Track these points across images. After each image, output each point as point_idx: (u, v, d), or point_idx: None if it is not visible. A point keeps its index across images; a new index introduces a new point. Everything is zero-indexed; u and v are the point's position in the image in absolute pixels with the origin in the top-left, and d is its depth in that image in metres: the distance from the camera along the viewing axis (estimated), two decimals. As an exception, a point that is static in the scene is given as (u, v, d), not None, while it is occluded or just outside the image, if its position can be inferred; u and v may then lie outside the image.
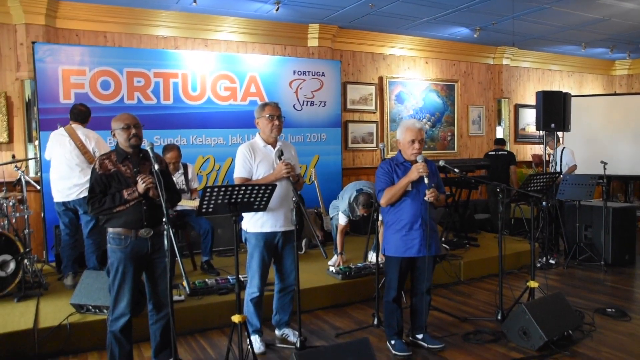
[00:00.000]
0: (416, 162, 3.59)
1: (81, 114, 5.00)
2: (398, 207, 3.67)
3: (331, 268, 5.29)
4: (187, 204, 5.29)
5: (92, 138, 4.91)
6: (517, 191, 4.48)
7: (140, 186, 3.18)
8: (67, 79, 5.91)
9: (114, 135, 3.32)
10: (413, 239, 3.64)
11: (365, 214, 5.34)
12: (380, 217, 4.36)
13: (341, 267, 5.22)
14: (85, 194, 4.74)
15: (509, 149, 9.05)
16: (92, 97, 6.01)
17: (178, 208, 5.30)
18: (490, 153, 8.27)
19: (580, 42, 9.40)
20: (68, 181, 4.84)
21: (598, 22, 8.00)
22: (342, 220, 5.57)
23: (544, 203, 6.44)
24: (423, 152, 3.70)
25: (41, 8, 6.12)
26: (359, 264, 5.28)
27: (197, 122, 6.65)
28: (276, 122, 3.75)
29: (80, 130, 4.91)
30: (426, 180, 3.52)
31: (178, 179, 5.42)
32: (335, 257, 5.63)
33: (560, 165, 7.04)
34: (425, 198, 3.58)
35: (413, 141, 3.64)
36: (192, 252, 5.62)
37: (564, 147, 7.49)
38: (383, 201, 3.67)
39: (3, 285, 4.51)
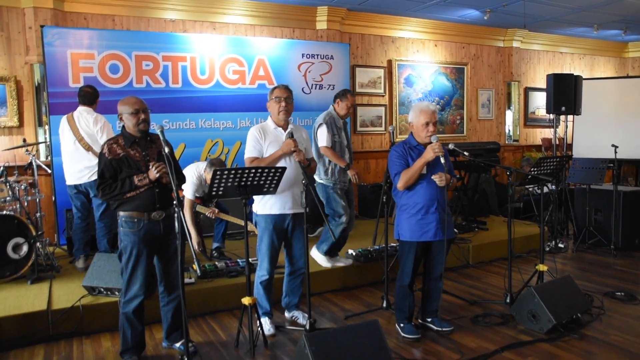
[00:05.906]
0: (431, 143, 3.52)
1: (88, 95, 4.96)
2: (413, 190, 3.60)
3: (350, 251, 5.21)
4: None
5: (99, 121, 4.88)
6: (528, 174, 4.45)
7: (153, 174, 3.18)
8: (76, 62, 5.91)
9: (120, 118, 3.30)
10: (429, 223, 3.59)
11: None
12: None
13: (360, 249, 5.19)
14: (96, 176, 4.79)
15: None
16: (101, 80, 6.00)
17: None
18: None
19: (593, 23, 9.25)
20: (79, 164, 4.87)
21: (611, 3, 7.86)
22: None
23: (552, 186, 6.47)
24: (433, 134, 3.65)
25: (49, -9, 6.10)
26: (376, 247, 5.25)
27: (205, 106, 6.63)
28: (283, 104, 3.73)
29: (89, 114, 4.90)
30: (442, 160, 3.47)
31: None
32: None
33: None
34: (434, 179, 3.55)
35: (427, 123, 3.56)
36: (202, 236, 5.63)
37: None
38: (400, 184, 3.59)
39: (17, 267, 4.58)
